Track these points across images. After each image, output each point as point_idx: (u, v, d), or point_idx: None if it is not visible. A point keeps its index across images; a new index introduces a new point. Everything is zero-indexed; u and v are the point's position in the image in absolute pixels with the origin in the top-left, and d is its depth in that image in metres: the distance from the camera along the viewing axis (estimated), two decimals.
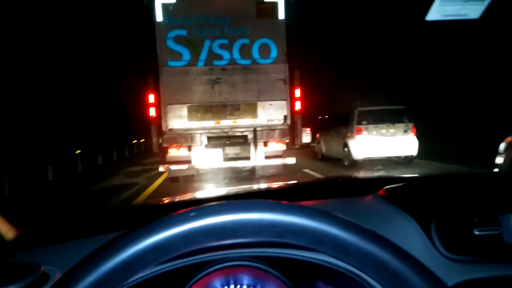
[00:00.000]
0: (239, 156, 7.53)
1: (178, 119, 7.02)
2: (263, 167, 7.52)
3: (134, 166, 13.35)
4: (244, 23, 6.98)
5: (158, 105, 6.98)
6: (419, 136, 9.66)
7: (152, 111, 6.99)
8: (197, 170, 7.56)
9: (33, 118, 19.67)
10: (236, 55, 7.01)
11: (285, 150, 7.51)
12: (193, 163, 7.10)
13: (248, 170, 8.43)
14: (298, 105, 7.24)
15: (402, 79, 18.06)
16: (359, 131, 9.58)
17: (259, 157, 7.21)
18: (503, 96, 12.62)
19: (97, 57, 28.79)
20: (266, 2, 7.05)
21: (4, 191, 8.87)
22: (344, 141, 10.10)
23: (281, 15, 7.07)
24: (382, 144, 9.44)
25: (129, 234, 0.41)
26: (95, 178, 11.06)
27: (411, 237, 0.86)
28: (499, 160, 5.43)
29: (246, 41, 7.01)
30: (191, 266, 0.79)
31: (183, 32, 6.91)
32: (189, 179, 8.03)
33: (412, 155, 9.66)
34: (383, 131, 9.53)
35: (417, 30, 15.01)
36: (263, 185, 2.09)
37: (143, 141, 26.22)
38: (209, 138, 7.21)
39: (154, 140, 7.18)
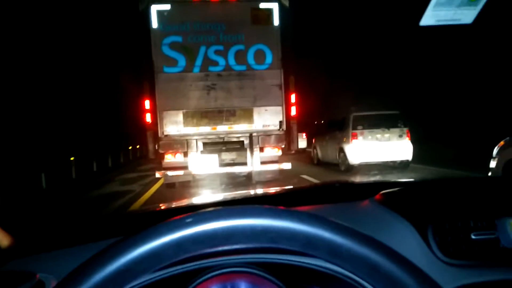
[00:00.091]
0: (235, 161, 7.54)
1: (174, 125, 7.01)
2: (259, 173, 7.53)
3: (130, 173, 13.26)
4: (239, 30, 7.01)
5: (154, 111, 6.98)
6: (414, 141, 9.71)
7: (148, 117, 6.99)
8: (193, 176, 7.54)
9: (25, 124, 19.43)
10: (232, 61, 7.03)
11: (281, 155, 7.52)
12: (190, 169, 7.09)
13: (244, 176, 8.42)
14: (293, 111, 7.27)
15: (397, 84, 18.18)
16: (355, 136, 9.62)
17: (255, 162, 7.21)
18: (497, 100, 12.73)
19: (92, 63, 28.76)
20: (261, 8, 7.09)
21: None
22: (340, 146, 10.13)
23: (276, 21, 7.12)
24: (377, 149, 9.48)
25: (118, 245, 0.40)
26: (90, 185, 10.97)
27: (408, 241, 0.86)
28: (493, 164, 5.48)
29: (241, 47, 7.04)
30: (187, 273, 0.78)
31: (178, 39, 6.92)
32: (186, 185, 8.00)
33: (407, 160, 9.71)
34: (379, 136, 9.57)
35: (411, 35, 15.13)
36: (259, 191, 2.09)
37: (138, 147, 26.13)
38: (205, 144, 7.20)
39: (150, 146, 7.17)
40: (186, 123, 7.02)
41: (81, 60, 27.72)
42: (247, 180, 8.21)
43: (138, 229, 0.42)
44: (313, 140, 12.68)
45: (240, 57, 7.04)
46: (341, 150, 10.06)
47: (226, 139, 7.23)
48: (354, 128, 9.67)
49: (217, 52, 7.01)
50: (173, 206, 1.29)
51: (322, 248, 0.41)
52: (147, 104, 6.95)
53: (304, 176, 9.29)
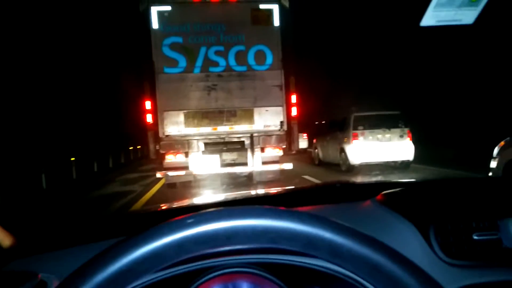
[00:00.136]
0: (236, 162, 7.54)
1: (175, 125, 7.02)
2: (260, 173, 7.53)
3: (131, 173, 13.26)
4: (239, 30, 7.01)
5: (154, 111, 6.98)
6: (415, 141, 9.70)
7: (149, 118, 6.99)
8: (194, 176, 7.55)
9: (25, 124, 19.35)
10: (232, 61, 7.04)
11: (282, 155, 7.52)
12: (191, 169, 7.09)
13: (245, 176, 8.42)
14: (294, 111, 7.26)
15: (398, 84, 18.17)
16: (356, 136, 9.62)
17: (256, 162, 7.21)
18: (498, 100, 12.72)
19: (93, 63, 28.78)
20: (262, 9, 7.09)
21: None
22: (341, 146, 10.13)
23: (276, 22, 7.12)
24: (378, 149, 9.47)
25: (120, 245, 0.40)
26: (91, 185, 10.96)
27: (409, 242, 0.86)
28: (493, 164, 5.48)
29: (241, 47, 7.04)
30: (188, 273, 0.78)
31: (179, 39, 6.93)
32: (187, 185, 8.00)
33: (408, 160, 9.70)
34: (379, 136, 9.57)
35: (411, 35, 15.13)
36: (260, 191, 2.09)
37: (139, 148, 26.14)
38: (206, 144, 7.21)
39: (151, 146, 7.17)
40: (187, 123, 7.03)
41: (82, 60, 27.74)
42: (248, 180, 8.21)
43: (139, 229, 0.42)
44: (314, 140, 12.67)
45: (241, 57, 7.05)
46: (342, 150, 10.06)
47: (227, 140, 7.24)
48: (355, 128, 9.66)
49: (217, 53, 7.01)
50: (174, 206, 1.29)
51: (323, 249, 0.41)
52: (148, 104, 6.96)
53: (305, 177, 9.28)
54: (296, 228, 0.41)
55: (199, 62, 6.99)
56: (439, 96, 16.38)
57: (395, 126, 9.66)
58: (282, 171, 7.59)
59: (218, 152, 7.25)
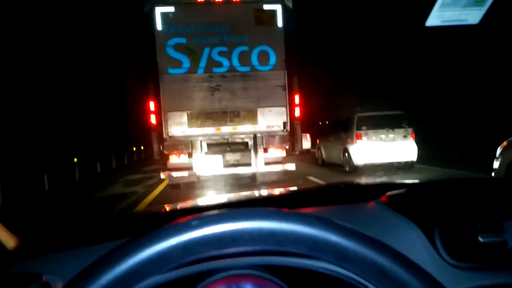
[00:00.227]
0: (240, 162, 7.54)
1: (178, 126, 7.03)
2: (264, 173, 7.53)
3: (134, 174, 13.27)
4: (243, 31, 7.02)
5: (158, 112, 7.00)
6: (418, 141, 9.67)
7: (153, 118, 7.01)
8: (198, 176, 7.56)
9: (27, 124, 19.26)
10: (236, 62, 7.04)
11: (285, 156, 7.51)
12: (194, 169, 7.10)
13: (249, 177, 8.43)
14: (297, 111, 7.26)
15: (401, 84, 18.12)
16: (359, 137, 9.59)
17: (259, 163, 7.21)
18: (502, 100, 12.65)
19: (96, 63, 28.89)
20: (265, 10, 7.10)
21: None
22: (344, 146, 10.11)
23: (280, 22, 7.12)
24: (382, 149, 9.45)
25: (125, 247, 0.40)
26: (94, 186, 10.97)
27: (414, 244, 0.86)
28: (496, 164, 5.47)
29: (245, 48, 7.04)
30: (192, 275, 0.78)
31: (182, 40, 6.95)
32: (190, 186, 8.01)
33: (412, 160, 9.67)
34: (383, 136, 9.54)
35: (416, 35, 15.08)
36: (264, 192, 2.09)
37: (143, 148, 26.21)
38: (209, 145, 7.22)
39: (155, 147, 7.19)
40: (190, 124, 7.04)
41: (85, 60, 27.84)
42: (252, 181, 8.21)
43: (144, 230, 0.42)
44: (318, 141, 12.66)
45: (244, 58, 7.05)
46: (346, 151, 10.04)
47: (230, 140, 7.24)
48: (359, 128, 9.64)
49: (221, 53, 7.02)
50: (178, 207, 1.29)
51: (329, 251, 0.41)
52: (151, 105, 6.98)
53: (309, 177, 9.27)
54: (303, 231, 0.40)
55: (202, 63, 7.01)
56: (444, 96, 16.32)
57: (399, 126, 9.64)
58: (286, 172, 7.58)
59: (221, 153, 7.26)
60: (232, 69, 7.05)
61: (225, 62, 7.04)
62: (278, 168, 7.32)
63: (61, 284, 0.73)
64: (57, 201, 9.12)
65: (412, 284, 0.40)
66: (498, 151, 5.49)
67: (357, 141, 9.59)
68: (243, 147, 7.39)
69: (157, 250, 0.39)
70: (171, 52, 6.95)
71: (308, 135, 7.94)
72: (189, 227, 0.40)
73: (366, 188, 1.41)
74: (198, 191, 7.92)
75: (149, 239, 0.40)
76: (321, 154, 12.46)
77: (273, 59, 7.12)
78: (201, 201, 1.86)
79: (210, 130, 7.08)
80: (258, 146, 7.12)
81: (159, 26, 6.92)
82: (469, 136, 12.64)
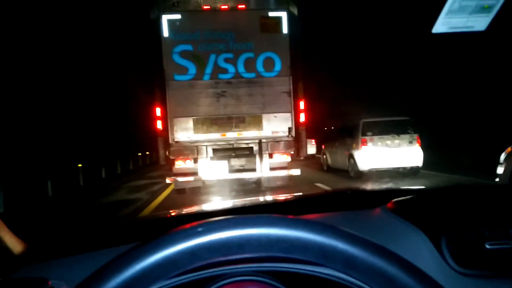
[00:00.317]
0: (245, 167, 7.55)
1: (184, 131, 7.06)
2: (269, 179, 7.53)
3: (139, 180, 13.27)
4: (248, 38, 7.06)
5: (164, 118, 7.04)
6: (424, 147, 9.62)
7: (159, 124, 7.05)
8: (203, 182, 7.57)
9: (31, 129, 19.23)
10: (241, 68, 7.07)
11: (290, 161, 7.51)
12: (199, 175, 7.12)
13: (254, 182, 8.42)
14: (302, 117, 7.27)
15: (407, 90, 18.07)
16: (364, 142, 9.56)
17: (264, 168, 7.21)
18: (509, 105, 12.56)
19: (102, 69, 29.10)
20: (270, 17, 7.13)
21: None
22: (350, 152, 10.07)
23: (285, 29, 7.15)
24: (387, 155, 9.40)
25: (133, 252, 0.40)
26: (98, 192, 10.96)
27: (420, 251, 0.85)
28: (500, 170, 5.44)
29: (250, 55, 7.08)
30: (198, 281, 0.78)
31: (189, 47, 7.00)
32: (196, 191, 8.02)
33: (417, 166, 9.60)
34: (388, 142, 9.50)
35: (422, 42, 15.06)
36: (269, 198, 2.08)
37: (148, 154, 26.28)
38: (215, 150, 7.24)
39: (161, 152, 7.23)
40: (196, 129, 7.07)
41: (91, 66, 28.06)
42: (257, 186, 8.20)
43: (151, 235, 0.42)
44: (323, 146, 12.63)
45: (250, 64, 7.08)
46: (351, 156, 10.00)
47: (235, 146, 7.26)
48: (364, 134, 9.61)
49: (227, 60, 7.06)
50: (183, 212, 1.29)
51: (336, 259, 0.41)
52: (158, 111, 7.03)
53: (315, 183, 9.24)
54: (310, 238, 0.40)
55: (208, 69, 7.05)
56: (449, 102, 16.24)
57: (404, 132, 9.59)
58: (291, 177, 7.57)
59: (226, 158, 7.28)
60: (237, 75, 7.08)
61: (231, 69, 7.07)
62: (283, 173, 7.31)
63: None
64: (60, 206, 9.09)
65: None
66: (502, 157, 5.46)
67: (363, 146, 9.56)
68: (248, 152, 7.39)
69: (165, 256, 0.40)
70: (177, 59, 7.00)
71: (313, 140, 7.93)
72: (197, 233, 0.41)
73: (372, 194, 1.40)
74: (204, 197, 7.92)
75: (157, 244, 0.40)
76: (326, 159, 12.43)
77: (278, 66, 7.15)
78: (207, 207, 1.86)
79: (215, 135, 7.10)
80: (263, 152, 7.13)
81: (165, 33, 6.98)
82: (475, 142, 12.56)
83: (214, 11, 7.10)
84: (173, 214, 1.26)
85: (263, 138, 7.14)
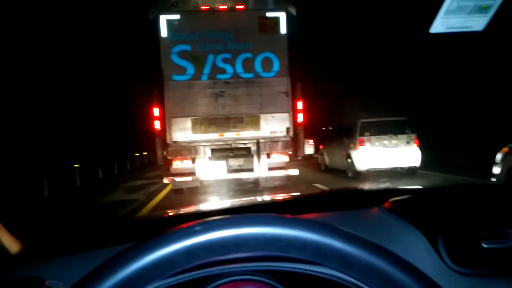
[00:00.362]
0: (243, 167, 7.55)
1: (182, 131, 7.06)
2: (267, 179, 7.54)
3: (137, 180, 13.22)
4: (247, 38, 7.06)
5: (162, 118, 7.04)
6: (422, 147, 9.64)
7: (157, 124, 7.04)
8: (201, 182, 7.57)
9: (28, 129, 19.04)
10: (239, 69, 7.08)
11: (288, 161, 7.52)
12: (197, 174, 7.12)
13: (252, 182, 8.42)
14: (300, 117, 7.28)
15: (404, 90, 18.10)
16: (362, 143, 9.58)
17: (262, 168, 7.22)
18: (506, 105, 12.60)
19: (100, 69, 29.04)
20: (269, 17, 7.14)
21: None
22: (347, 152, 10.09)
23: (283, 29, 7.16)
24: (385, 155, 9.42)
25: (129, 251, 0.40)
26: (95, 193, 10.88)
27: (417, 250, 0.85)
28: (496, 170, 5.46)
29: (249, 55, 7.08)
30: (194, 281, 0.78)
31: (187, 47, 7.00)
32: (193, 191, 8.01)
33: (415, 166, 9.63)
34: (386, 142, 9.52)
35: (419, 41, 15.09)
36: (267, 198, 2.08)
37: (146, 154, 26.24)
38: (213, 150, 7.23)
39: (159, 152, 7.22)
40: (194, 130, 7.06)
41: (89, 66, 27.98)
42: (255, 186, 8.20)
43: (147, 235, 0.42)
44: (321, 147, 12.65)
45: (248, 65, 7.08)
46: (349, 157, 10.01)
47: (233, 146, 7.26)
48: (362, 134, 9.63)
49: (225, 60, 7.06)
50: (181, 212, 1.29)
51: (333, 258, 0.41)
52: (156, 111, 7.02)
53: (313, 183, 9.25)
54: (307, 237, 0.40)
55: (206, 70, 7.04)
56: (447, 102, 16.29)
57: (402, 132, 9.62)
58: (289, 177, 7.58)
59: (224, 158, 7.27)
60: (235, 75, 7.08)
61: (229, 69, 7.07)
62: (281, 173, 7.32)
63: None
64: (57, 207, 9.00)
65: None
66: (498, 156, 5.48)
67: (360, 147, 9.58)
68: (246, 152, 7.39)
69: (161, 255, 0.39)
70: (175, 59, 7.00)
71: (311, 140, 7.93)
72: (193, 232, 0.40)
73: (369, 194, 1.41)
74: (201, 197, 7.91)
75: (153, 243, 0.40)
76: (324, 159, 12.44)
77: (276, 66, 7.15)
78: (204, 207, 1.86)
79: (213, 135, 7.10)
80: (261, 152, 7.14)
81: (164, 33, 6.97)
82: (472, 142, 12.59)
83: (213, 11, 7.10)
84: (170, 214, 1.26)
85: (261, 138, 7.14)
